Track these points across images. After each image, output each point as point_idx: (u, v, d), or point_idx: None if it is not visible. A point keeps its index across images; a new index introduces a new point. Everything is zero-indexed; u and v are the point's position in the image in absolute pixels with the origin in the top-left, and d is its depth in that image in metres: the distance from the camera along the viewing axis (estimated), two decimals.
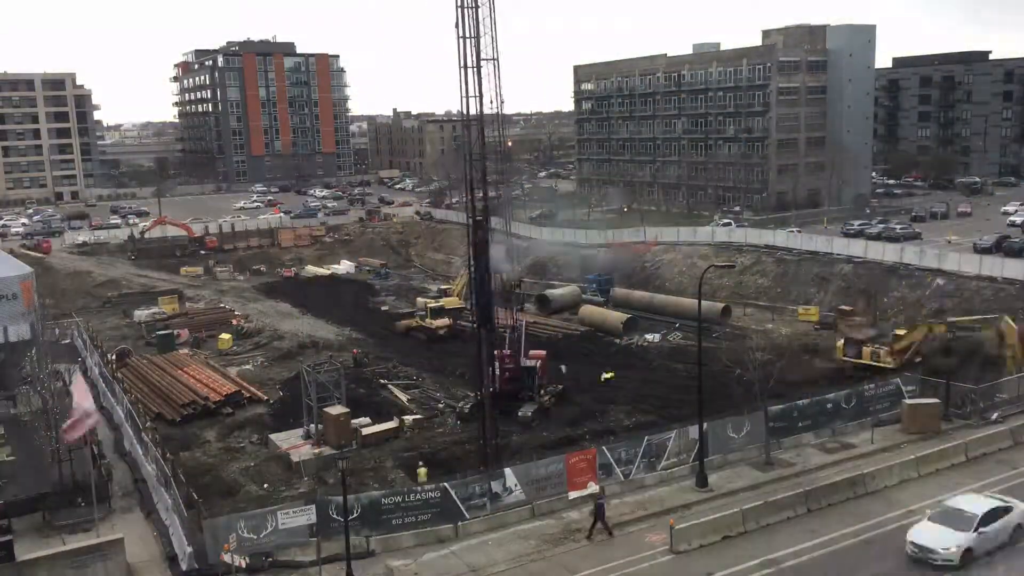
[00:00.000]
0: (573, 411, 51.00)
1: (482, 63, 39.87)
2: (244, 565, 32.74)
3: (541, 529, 36.54)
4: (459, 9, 40.73)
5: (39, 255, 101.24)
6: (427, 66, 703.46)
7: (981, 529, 32.28)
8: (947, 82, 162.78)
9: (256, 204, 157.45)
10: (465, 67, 40.17)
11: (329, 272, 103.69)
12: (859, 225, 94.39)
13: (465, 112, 40.52)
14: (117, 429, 49.53)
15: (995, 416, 46.98)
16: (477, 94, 40.07)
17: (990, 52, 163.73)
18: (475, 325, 43.78)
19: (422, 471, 41.14)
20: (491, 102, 40.56)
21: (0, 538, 32.90)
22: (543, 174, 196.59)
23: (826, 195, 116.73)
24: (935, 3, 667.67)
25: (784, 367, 46.00)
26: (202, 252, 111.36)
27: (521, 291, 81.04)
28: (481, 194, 41.27)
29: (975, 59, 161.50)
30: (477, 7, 39.78)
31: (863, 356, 55.38)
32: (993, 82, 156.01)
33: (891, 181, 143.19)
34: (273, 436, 47.63)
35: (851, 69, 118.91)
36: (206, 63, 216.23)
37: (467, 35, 40.73)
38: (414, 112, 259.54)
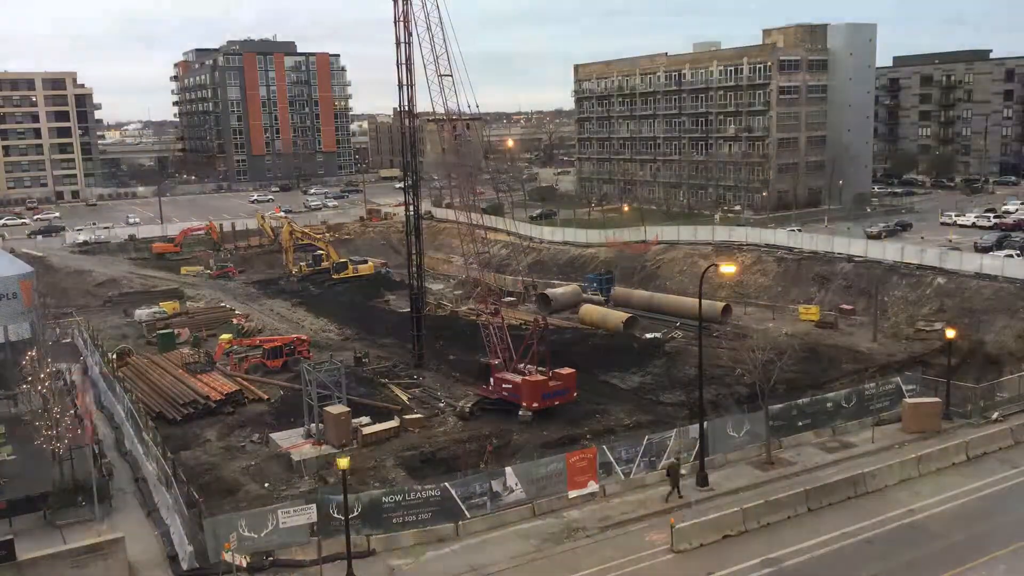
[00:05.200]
0: (573, 410, 50.99)
1: (442, 78, 51.49)
2: (245, 564, 32.75)
3: (542, 528, 36.54)
4: (395, 24, 54.92)
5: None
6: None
7: None
8: (948, 81, 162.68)
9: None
10: (400, 85, 57.66)
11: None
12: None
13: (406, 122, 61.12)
14: (118, 428, 49.55)
15: (996, 415, 46.99)
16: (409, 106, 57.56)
17: (991, 51, 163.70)
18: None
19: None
20: (468, 106, 51.63)
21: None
22: (542, 172, 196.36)
23: (827, 194, 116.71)
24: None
25: None
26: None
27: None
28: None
29: (976, 58, 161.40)
30: (440, 26, 50.65)
31: None
32: (994, 81, 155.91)
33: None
34: (274, 435, 47.64)
35: (852, 68, 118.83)
36: (206, 62, 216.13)
37: (400, 60, 56.41)
38: (415, 111, 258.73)
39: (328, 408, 46.33)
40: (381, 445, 46.19)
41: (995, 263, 70.15)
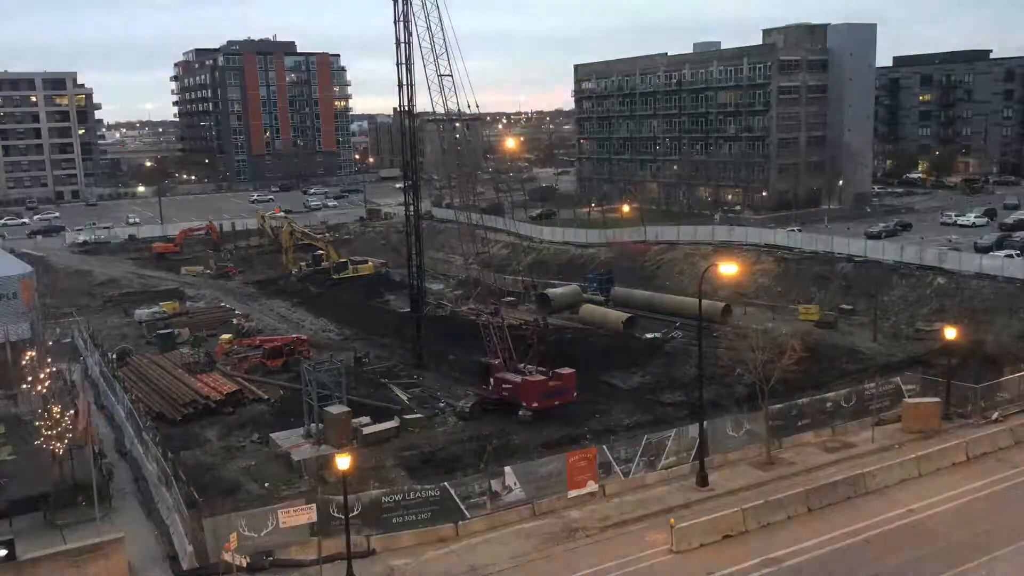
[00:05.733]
0: (573, 410, 50.97)
1: (443, 78, 51.78)
2: (245, 564, 32.73)
3: (542, 528, 36.53)
4: (395, 23, 55.24)
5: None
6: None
7: None
8: (948, 81, 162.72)
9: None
10: (400, 84, 58.41)
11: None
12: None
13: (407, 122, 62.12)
14: (118, 428, 49.57)
15: (996, 415, 46.98)
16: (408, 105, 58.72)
17: (991, 51, 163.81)
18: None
19: None
20: (468, 106, 52.21)
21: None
22: (542, 172, 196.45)
23: (827, 194, 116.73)
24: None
25: None
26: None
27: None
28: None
29: (976, 58, 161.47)
30: (440, 26, 51.17)
31: None
32: (994, 81, 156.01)
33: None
34: (274, 435, 47.63)
35: (852, 68, 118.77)
36: (206, 62, 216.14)
37: (400, 60, 56.82)
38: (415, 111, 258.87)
39: (328, 408, 46.31)
40: (381, 445, 46.19)
41: (995, 263, 70.17)
